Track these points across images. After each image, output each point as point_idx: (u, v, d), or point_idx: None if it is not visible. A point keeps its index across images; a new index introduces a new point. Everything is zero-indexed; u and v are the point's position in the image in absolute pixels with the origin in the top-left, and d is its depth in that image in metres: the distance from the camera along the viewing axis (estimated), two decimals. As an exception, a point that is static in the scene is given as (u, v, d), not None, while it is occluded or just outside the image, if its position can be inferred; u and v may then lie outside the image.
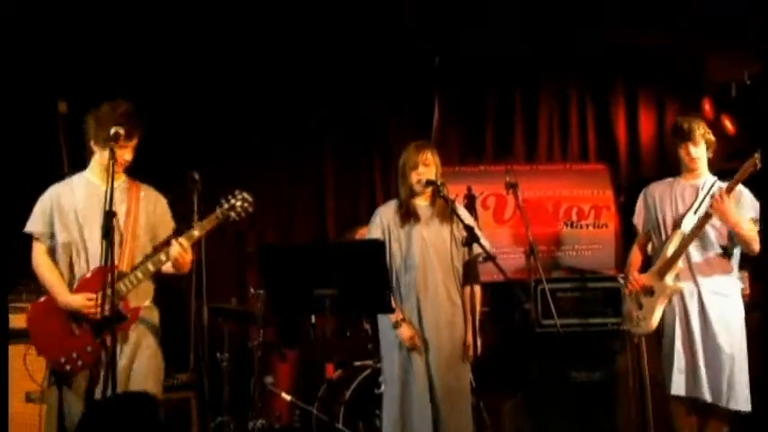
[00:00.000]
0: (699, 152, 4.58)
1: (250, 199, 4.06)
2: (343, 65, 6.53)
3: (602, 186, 6.79)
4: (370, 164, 6.73)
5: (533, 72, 6.94)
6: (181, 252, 3.88)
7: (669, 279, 4.53)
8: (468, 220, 4.43)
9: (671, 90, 7.04)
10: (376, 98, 6.66)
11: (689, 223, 4.50)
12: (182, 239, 3.91)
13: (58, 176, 4.14)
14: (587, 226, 6.74)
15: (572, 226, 6.73)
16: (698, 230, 4.45)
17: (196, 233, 3.96)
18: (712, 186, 4.54)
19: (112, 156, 3.73)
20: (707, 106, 6.64)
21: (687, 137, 4.56)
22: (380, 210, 4.59)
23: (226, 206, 4.02)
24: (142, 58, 6.09)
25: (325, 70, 6.50)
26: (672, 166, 4.85)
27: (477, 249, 4.32)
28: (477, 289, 4.52)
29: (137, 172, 4.11)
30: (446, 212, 4.44)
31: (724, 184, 4.49)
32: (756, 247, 4.45)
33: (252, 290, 5.83)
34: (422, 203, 4.51)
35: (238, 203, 4.03)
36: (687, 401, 4.52)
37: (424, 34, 6.40)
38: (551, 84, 7.01)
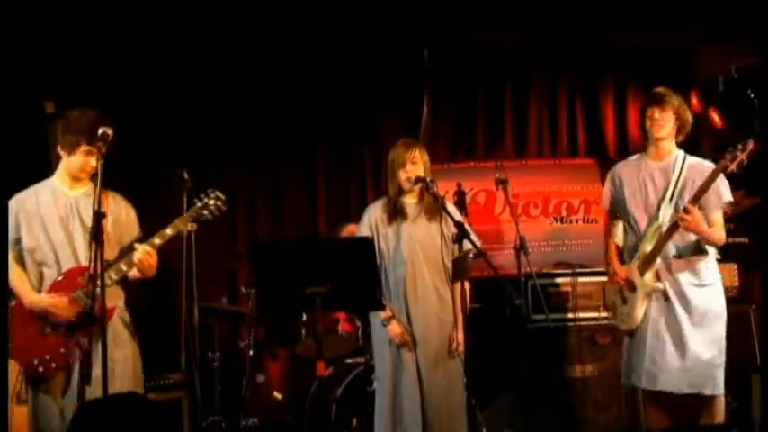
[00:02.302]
0: (665, 120, 4.42)
1: (223, 197, 4.09)
2: (334, 62, 6.52)
3: (591, 181, 6.80)
4: (361, 160, 6.73)
5: (523, 68, 6.94)
6: (145, 256, 3.91)
7: (649, 276, 4.45)
8: (457, 216, 4.43)
9: (660, 85, 7.03)
10: (366, 95, 6.66)
11: (665, 215, 4.40)
12: (143, 245, 3.93)
13: (46, 177, 4.12)
14: (577, 221, 6.76)
15: (562, 221, 6.74)
16: (676, 228, 4.33)
17: (169, 231, 3.99)
18: (682, 167, 4.42)
19: (101, 156, 3.70)
20: (694, 100, 6.65)
21: (657, 100, 4.41)
22: (369, 209, 4.61)
23: (199, 205, 4.06)
24: (131, 56, 6.07)
25: (316, 68, 6.49)
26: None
27: (467, 245, 4.33)
28: (467, 286, 4.53)
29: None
30: (434, 209, 4.44)
31: (695, 159, 4.42)
32: (722, 242, 4.42)
33: (242, 289, 5.82)
34: (410, 201, 4.52)
35: (212, 202, 4.07)
36: (660, 395, 4.47)
37: (415, 31, 6.40)
38: (540, 79, 7.00)
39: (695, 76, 6.78)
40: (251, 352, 5.46)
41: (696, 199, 4.26)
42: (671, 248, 4.44)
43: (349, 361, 5.37)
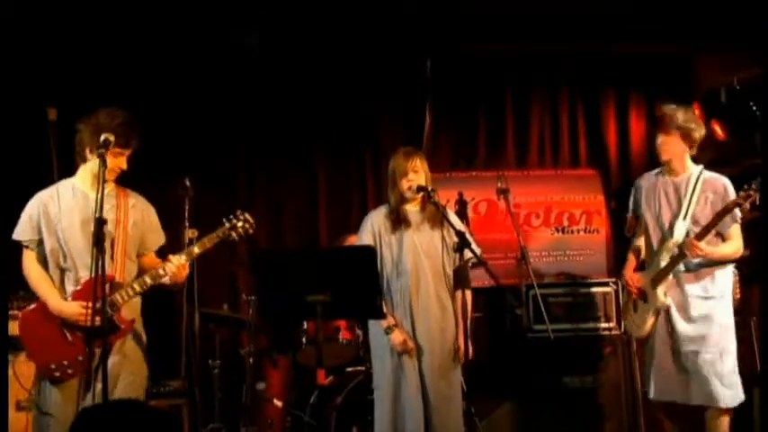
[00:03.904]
0: (669, 144, 4.44)
1: (251, 220, 4.13)
2: (336, 72, 6.54)
3: (593, 192, 6.82)
4: (362, 170, 6.73)
5: (524, 78, 6.96)
6: (179, 268, 3.93)
7: (660, 291, 4.48)
8: (459, 225, 4.44)
9: (661, 95, 7.04)
10: (368, 103, 6.67)
11: (680, 232, 4.42)
12: (177, 257, 3.94)
13: (49, 184, 4.12)
14: (578, 231, 6.77)
15: (563, 231, 6.75)
16: (684, 255, 4.38)
17: (196, 250, 4.02)
18: (696, 184, 4.44)
19: (103, 163, 3.72)
20: (696, 111, 6.65)
21: (660, 125, 4.43)
22: (371, 216, 4.59)
23: (227, 225, 4.08)
24: (132, 63, 6.08)
25: (317, 78, 6.51)
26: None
27: (468, 254, 4.34)
28: (468, 294, 4.53)
29: (128, 176, 4.10)
30: (436, 218, 4.45)
31: (711, 175, 4.46)
32: (736, 255, 4.46)
33: (244, 296, 5.82)
34: (412, 209, 4.52)
35: (240, 224, 4.09)
36: (670, 405, 4.50)
37: (417, 41, 6.42)
38: (542, 89, 7.02)
39: (696, 86, 6.79)
40: (251, 359, 5.45)
41: (701, 236, 4.30)
42: (681, 266, 4.48)
43: (349, 369, 5.37)
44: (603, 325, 5.78)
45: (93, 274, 3.56)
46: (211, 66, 6.28)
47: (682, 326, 4.43)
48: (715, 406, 4.36)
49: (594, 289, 5.96)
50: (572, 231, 6.77)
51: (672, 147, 4.47)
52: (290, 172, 6.64)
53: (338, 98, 6.59)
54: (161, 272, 3.92)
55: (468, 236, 4.31)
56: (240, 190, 6.52)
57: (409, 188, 4.44)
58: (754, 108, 5.99)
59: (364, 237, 4.50)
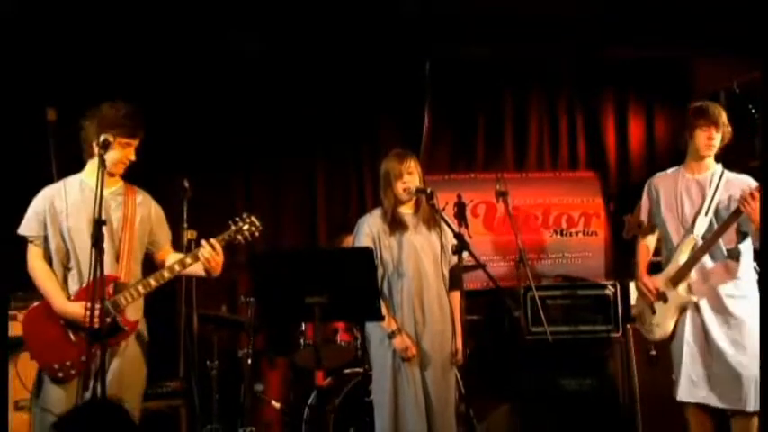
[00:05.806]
0: (717, 140, 4.42)
1: (258, 224, 4.11)
2: (335, 72, 6.55)
3: (591, 194, 6.82)
4: (361, 169, 6.74)
5: (523, 81, 6.97)
6: (212, 254, 3.90)
7: (682, 289, 4.43)
8: (455, 227, 4.43)
9: (660, 98, 7.08)
10: (367, 104, 6.68)
11: (701, 227, 4.39)
12: (211, 241, 3.91)
13: (47, 184, 4.11)
14: (577, 233, 6.77)
15: (562, 234, 6.75)
16: (716, 238, 4.33)
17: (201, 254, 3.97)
18: (719, 181, 4.42)
19: (102, 164, 3.71)
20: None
21: (713, 120, 4.37)
22: (366, 219, 4.57)
23: (233, 228, 4.06)
24: (130, 64, 6.08)
25: (317, 77, 6.52)
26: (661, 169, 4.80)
27: (465, 256, 4.33)
28: (461, 295, 4.52)
29: (127, 177, 4.10)
30: (431, 219, 4.46)
31: (733, 175, 4.43)
32: None
33: (242, 297, 5.82)
34: (406, 211, 4.52)
35: (246, 227, 4.08)
36: (703, 407, 4.41)
37: (416, 44, 6.42)
38: (541, 92, 7.03)
39: (695, 89, 6.80)
40: (249, 361, 5.45)
41: (726, 228, 4.29)
42: (705, 258, 4.41)
43: (347, 371, 5.37)
44: (601, 327, 5.77)
45: (93, 275, 3.55)
46: (210, 66, 6.28)
47: (716, 327, 4.36)
48: (745, 410, 4.27)
49: (593, 291, 5.96)
50: (570, 233, 6.77)
51: (718, 143, 4.45)
52: (289, 173, 6.64)
53: (337, 100, 6.60)
54: (188, 260, 3.91)
55: (465, 238, 4.31)
56: (238, 190, 6.53)
57: (405, 190, 4.43)
58: (754, 111, 5.99)
59: (363, 240, 4.47)
